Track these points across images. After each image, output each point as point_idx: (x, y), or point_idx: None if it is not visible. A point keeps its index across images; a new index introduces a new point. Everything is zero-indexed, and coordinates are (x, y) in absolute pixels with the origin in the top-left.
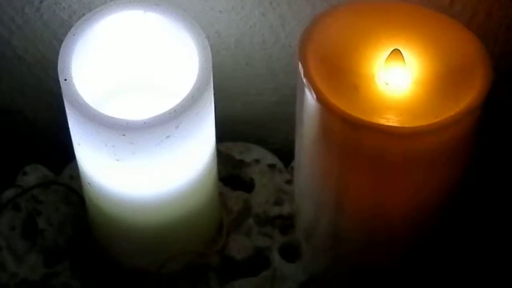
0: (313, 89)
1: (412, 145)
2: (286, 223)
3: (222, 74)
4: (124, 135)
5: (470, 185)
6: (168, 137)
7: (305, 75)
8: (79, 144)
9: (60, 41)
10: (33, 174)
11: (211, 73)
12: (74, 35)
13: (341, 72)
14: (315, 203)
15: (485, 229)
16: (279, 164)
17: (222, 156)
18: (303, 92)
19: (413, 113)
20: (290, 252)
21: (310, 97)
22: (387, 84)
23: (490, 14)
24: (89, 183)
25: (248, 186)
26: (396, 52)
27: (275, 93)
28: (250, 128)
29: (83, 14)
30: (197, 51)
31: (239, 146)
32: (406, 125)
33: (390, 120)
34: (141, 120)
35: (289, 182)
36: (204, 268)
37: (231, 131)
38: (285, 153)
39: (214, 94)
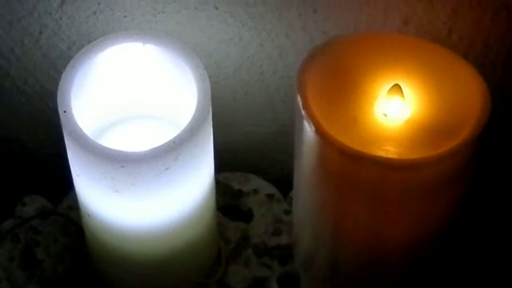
0: (312, 121)
1: (411, 177)
2: (285, 253)
3: (220, 104)
4: (123, 166)
5: (467, 208)
6: (167, 168)
7: (303, 107)
8: (78, 175)
9: (59, 72)
10: (32, 205)
11: (210, 105)
12: (73, 67)
13: (340, 103)
14: (314, 233)
15: (481, 253)
16: (277, 194)
17: (221, 186)
18: (301, 123)
19: (412, 145)
20: (289, 283)
21: (308, 129)
22: (386, 115)
23: (487, 45)
24: (88, 214)
25: (246, 216)
26: (396, 87)
27: (273, 123)
28: (248, 158)
29: (82, 45)
30: (196, 83)
31: (238, 176)
32: (405, 157)
33: (389, 152)
34: (140, 152)
35: (288, 212)
36: None
37: (230, 161)
38: (283, 183)
39: (212, 124)
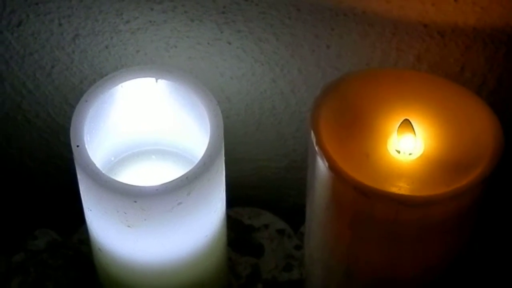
0: (325, 157)
1: (423, 214)
2: None
3: (232, 139)
4: (136, 201)
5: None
6: (179, 203)
7: (317, 143)
8: (90, 210)
9: (71, 106)
10: (43, 238)
11: (223, 140)
12: (86, 101)
13: (353, 139)
14: (325, 269)
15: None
16: (288, 229)
17: (231, 221)
18: (314, 159)
19: (424, 182)
20: None
21: (322, 165)
22: (399, 152)
23: (500, 82)
24: (99, 249)
25: (257, 251)
26: (406, 122)
27: (285, 158)
28: (260, 193)
29: (94, 80)
30: (209, 118)
31: (248, 211)
32: (418, 194)
33: (402, 188)
34: (153, 187)
35: (298, 247)
36: None
37: (241, 195)
38: (294, 218)
39: (224, 159)
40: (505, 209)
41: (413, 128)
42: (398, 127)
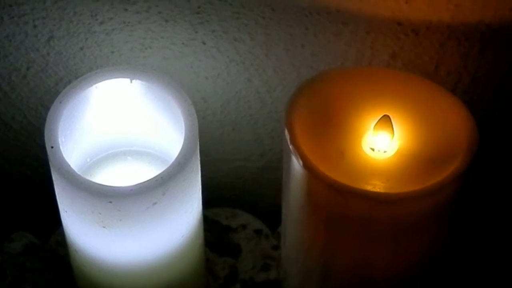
0: (300, 156)
1: (398, 211)
2: None
3: (208, 140)
4: (111, 202)
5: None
6: (155, 204)
7: (291, 142)
8: (65, 211)
9: (47, 108)
10: (20, 241)
11: (198, 140)
12: (60, 102)
13: (327, 138)
14: (302, 268)
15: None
16: (266, 230)
17: (209, 222)
18: (289, 158)
19: (399, 179)
20: None
21: (296, 164)
22: (373, 150)
23: (475, 79)
24: (75, 250)
25: (234, 251)
26: (386, 118)
27: (261, 158)
28: (236, 194)
29: (70, 81)
30: (183, 118)
31: (226, 212)
32: (392, 191)
33: (376, 186)
34: (127, 187)
35: (276, 247)
36: None
37: (217, 196)
38: (272, 218)
39: (200, 159)
40: (486, 208)
41: (392, 126)
42: (377, 122)
